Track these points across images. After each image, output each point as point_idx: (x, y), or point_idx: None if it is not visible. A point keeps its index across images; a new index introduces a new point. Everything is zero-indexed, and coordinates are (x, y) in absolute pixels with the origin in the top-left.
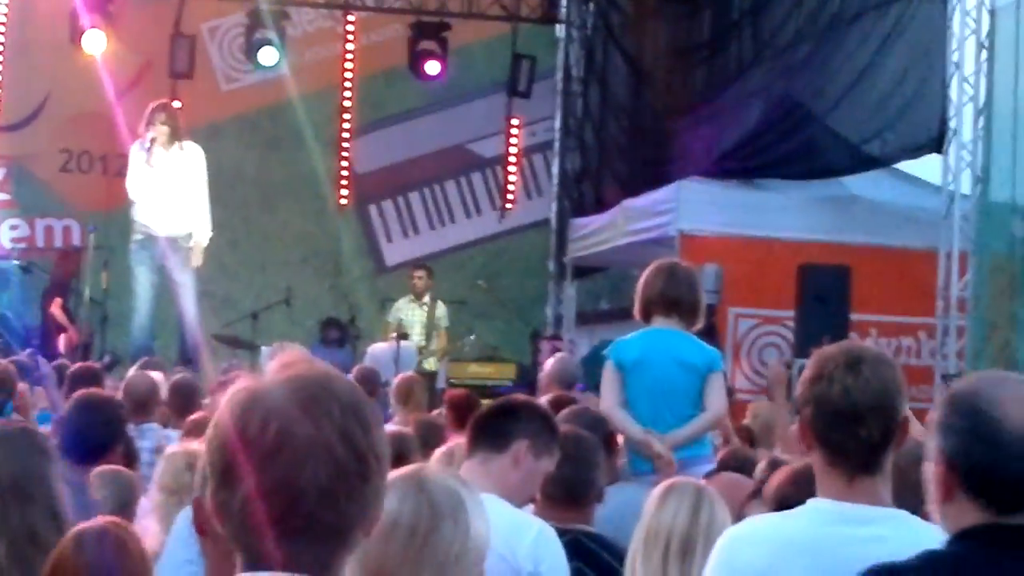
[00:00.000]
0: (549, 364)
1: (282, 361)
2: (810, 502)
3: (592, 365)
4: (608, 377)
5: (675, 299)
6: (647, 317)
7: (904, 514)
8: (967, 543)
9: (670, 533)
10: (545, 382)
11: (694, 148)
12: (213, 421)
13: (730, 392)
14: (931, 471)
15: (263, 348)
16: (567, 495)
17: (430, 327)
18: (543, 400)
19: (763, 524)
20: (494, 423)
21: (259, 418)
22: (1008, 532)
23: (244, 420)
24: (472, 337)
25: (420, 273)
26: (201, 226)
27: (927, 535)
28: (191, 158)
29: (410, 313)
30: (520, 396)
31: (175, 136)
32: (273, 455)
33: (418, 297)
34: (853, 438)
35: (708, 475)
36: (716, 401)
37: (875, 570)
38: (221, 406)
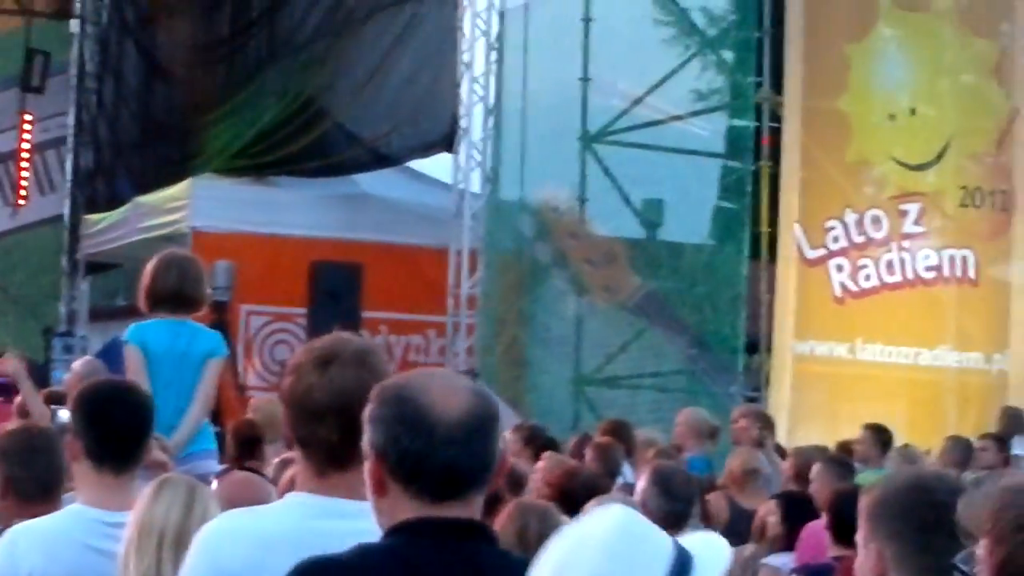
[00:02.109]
0: (75, 367)
1: None
2: (289, 495)
3: (106, 360)
4: (134, 359)
5: (180, 293)
6: (152, 309)
7: None
8: (400, 536)
9: (164, 526)
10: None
11: (209, 145)
12: None
13: (242, 388)
14: (365, 467)
15: None
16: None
17: None
18: None
19: (243, 519)
20: None
21: None
22: (438, 524)
23: None
24: None
25: None
26: None
27: None
28: None
29: None
30: None
31: None
32: None
33: None
34: (316, 435)
35: (221, 474)
36: (204, 389)
37: (308, 564)
38: None
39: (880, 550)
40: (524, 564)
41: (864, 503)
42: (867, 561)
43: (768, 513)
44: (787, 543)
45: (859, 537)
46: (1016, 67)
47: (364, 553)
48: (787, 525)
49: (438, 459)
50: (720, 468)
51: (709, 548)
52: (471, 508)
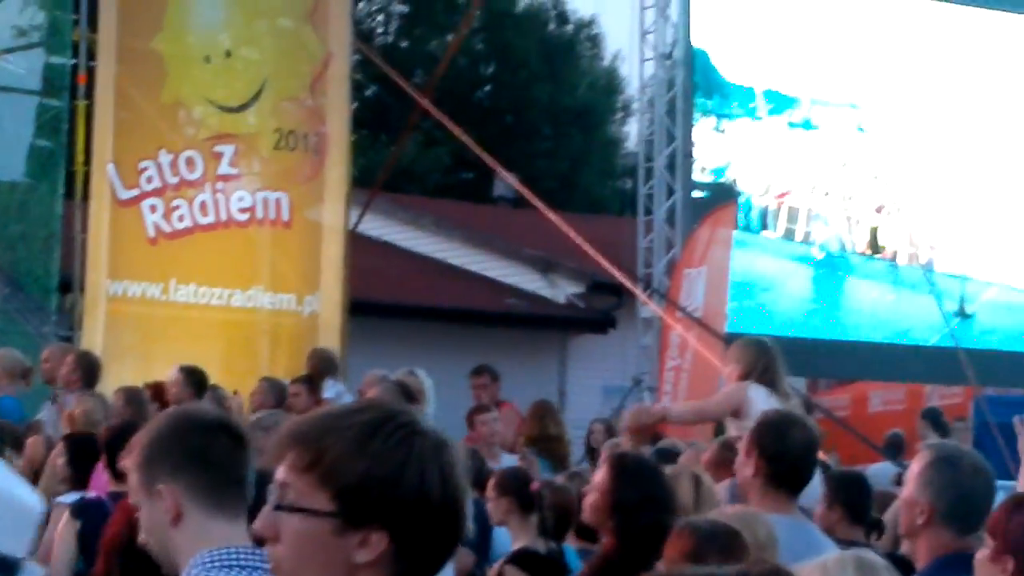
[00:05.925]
0: None
1: None
2: None
3: None
4: None
5: None
6: None
7: None
8: None
9: None
10: None
11: None
12: None
13: None
14: None
15: None
16: None
17: None
18: None
19: None
20: None
21: None
22: None
23: None
24: None
25: None
26: None
27: None
28: None
29: None
30: None
31: None
32: None
33: None
34: None
35: None
36: None
37: None
38: None
39: (172, 489)
40: None
41: (135, 451)
42: (163, 504)
43: (57, 455)
44: (77, 483)
45: (137, 484)
46: (330, 13)
47: None
48: (74, 466)
49: None
50: (31, 410)
51: None
52: None
